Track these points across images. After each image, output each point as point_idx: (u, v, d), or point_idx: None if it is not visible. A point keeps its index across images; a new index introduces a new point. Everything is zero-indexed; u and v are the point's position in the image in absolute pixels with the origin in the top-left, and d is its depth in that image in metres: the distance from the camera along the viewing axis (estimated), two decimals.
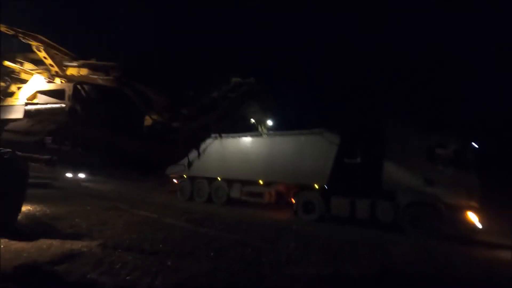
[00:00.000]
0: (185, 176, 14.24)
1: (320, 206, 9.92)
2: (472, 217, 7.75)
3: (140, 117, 6.66)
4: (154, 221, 8.11)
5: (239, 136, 12.57)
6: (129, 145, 6.16)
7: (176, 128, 6.37)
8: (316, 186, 10.20)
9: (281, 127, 12.27)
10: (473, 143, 8.35)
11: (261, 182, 11.70)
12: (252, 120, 13.21)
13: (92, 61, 6.20)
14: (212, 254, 5.23)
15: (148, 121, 6.55)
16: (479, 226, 7.81)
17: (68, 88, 6.23)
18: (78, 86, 6.23)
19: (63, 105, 6.23)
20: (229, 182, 12.64)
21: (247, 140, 12.36)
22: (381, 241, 7.41)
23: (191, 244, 5.74)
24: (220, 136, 9.76)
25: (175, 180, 14.88)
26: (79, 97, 6.22)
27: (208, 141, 13.54)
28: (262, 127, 13.21)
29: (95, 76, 5.94)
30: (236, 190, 12.32)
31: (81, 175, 23.89)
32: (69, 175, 22.76)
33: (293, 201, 10.74)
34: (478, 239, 8.32)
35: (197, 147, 7.39)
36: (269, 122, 13.28)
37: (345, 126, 12.04)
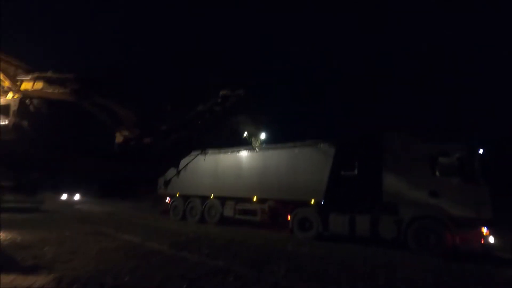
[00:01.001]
0: (177, 195, 13.62)
1: (317, 223, 9.19)
2: (483, 231, 6.99)
3: (111, 135, 6.13)
4: (135, 246, 7.45)
5: (231, 151, 12.01)
6: (96, 167, 5.60)
7: (150, 144, 5.83)
8: (312, 202, 9.51)
9: (277, 140, 11.74)
10: (479, 149, 7.68)
11: (254, 199, 11.03)
12: (245, 134, 12.72)
13: (48, 74, 5.73)
14: (184, 287, 4.55)
15: (119, 138, 6.02)
16: (492, 241, 7.04)
17: (14, 102, 5.72)
18: (27, 101, 5.72)
19: (7, 122, 5.65)
20: (222, 200, 11.97)
21: (239, 155, 11.79)
22: (383, 261, 6.66)
23: (164, 274, 5.07)
24: (204, 152, 9.14)
25: (167, 200, 14.23)
26: (26, 112, 5.69)
27: (197, 157, 13.05)
28: (255, 141, 12.69)
29: (50, 90, 5.43)
30: (230, 208, 11.63)
31: (76, 197, 23.46)
32: (63, 197, 22.34)
33: (289, 218, 10.01)
34: (491, 255, 7.49)
35: (176, 164, 6.80)
36: (262, 135, 12.78)
37: (341, 136, 11.43)
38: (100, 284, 4.34)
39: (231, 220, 11.87)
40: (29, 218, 11.20)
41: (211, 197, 12.35)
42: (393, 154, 8.36)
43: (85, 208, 18.66)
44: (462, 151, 7.56)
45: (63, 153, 5.28)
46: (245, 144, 11.87)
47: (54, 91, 5.36)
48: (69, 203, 21.15)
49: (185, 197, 13.26)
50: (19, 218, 10.73)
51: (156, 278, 4.88)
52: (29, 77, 5.90)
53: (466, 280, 5.52)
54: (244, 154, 11.61)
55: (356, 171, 9.07)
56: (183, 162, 7.47)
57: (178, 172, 7.12)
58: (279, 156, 10.54)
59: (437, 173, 7.77)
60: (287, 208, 10.31)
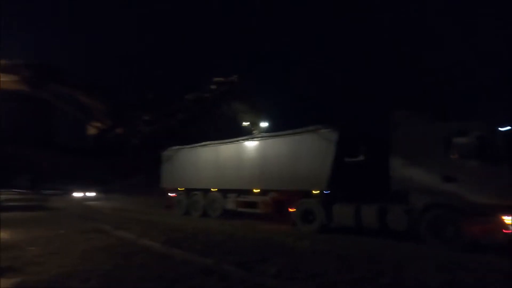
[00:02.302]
0: (180, 189, 13.31)
1: (321, 215, 8.52)
2: (507, 219, 6.10)
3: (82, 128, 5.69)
4: (125, 244, 7.12)
5: (230, 142, 11.47)
6: (71, 162, 5.18)
7: (123, 134, 5.34)
8: (315, 192, 8.84)
9: (279, 128, 11.07)
10: (502, 126, 6.71)
11: (256, 191, 10.49)
12: (245, 123, 12.15)
13: (2, 62, 5.31)
14: None
15: (91, 130, 5.57)
16: None
17: None
18: None
19: None
20: (224, 192, 11.51)
21: (239, 145, 11.22)
22: (390, 256, 5.95)
23: (140, 275, 4.64)
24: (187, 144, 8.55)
25: (171, 194, 13.96)
26: None
27: (198, 149, 12.60)
28: (255, 129, 12.09)
29: (6, 79, 5.00)
30: (231, 201, 11.16)
31: (90, 194, 23.82)
32: (77, 194, 22.73)
33: (291, 210, 9.40)
34: None
35: (156, 156, 6.31)
36: (263, 124, 12.17)
37: (344, 119, 10.58)
38: None
39: (235, 213, 11.42)
40: (32, 216, 11.24)
41: (213, 190, 11.92)
42: (402, 136, 7.51)
43: (95, 204, 18.85)
44: (482, 129, 6.61)
45: (33, 149, 4.90)
46: (246, 133, 11.32)
47: (8, 80, 4.95)
48: (82, 199, 21.51)
49: (188, 191, 12.93)
50: (22, 217, 10.76)
51: (130, 280, 4.46)
52: None
53: (487, 280, 4.75)
54: (243, 144, 11.03)
55: (361, 157, 8.31)
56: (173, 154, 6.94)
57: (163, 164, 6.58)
58: (279, 145, 9.89)
59: (453, 155, 6.88)
60: (289, 200, 9.70)
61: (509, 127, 6.78)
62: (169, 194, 14.03)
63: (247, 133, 10.64)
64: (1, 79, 4.78)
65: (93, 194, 23.72)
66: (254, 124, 11.17)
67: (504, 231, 6.02)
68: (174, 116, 6.31)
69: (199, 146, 12.58)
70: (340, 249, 6.55)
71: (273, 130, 10.52)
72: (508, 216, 6.03)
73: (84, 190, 23.47)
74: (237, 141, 11.23)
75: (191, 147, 13.05)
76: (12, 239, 7.14)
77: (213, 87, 8.73)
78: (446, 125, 7.00)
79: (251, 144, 10.69)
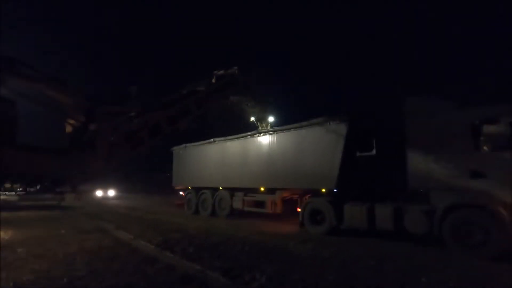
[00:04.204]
0: (189, 188, 13.01)
1: (330, 215, 7.73)
2: None
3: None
4: (118, 245, 6.80)
5: (236, 138, 10.92)
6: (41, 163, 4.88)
7: (98, 130, 4.98)
8: (323, 191, 8.07)
9: (288, 122, 10.34)
10: None
11: (262, 189, 9.88)
12: (252, 118, 11.56)
13: None
14: None
15: (67, 128, 5.26)
16: None
17: None
18: None
19: None
20: (232, 191, 11.01)
21: (244, 141, 10.65)
22: (404, 265, 5.10)
23: (112, 283, 4.23)
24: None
25: (181, 193, 13.72)
26: None
27: (205, 146, 12.18)
28: (260, 124, 11.46)
29: None
30: (238, 200, 10.63)
31: (111, 193, 24.43)
32: (98, 193, 23.38)
33: (299, 210, 8.68)
34: None
35: (133, 154, 5.90)
36: (270, 118, 11.50)
37: (353, 110, 9.62)
38: None
39: (245, 213, 10.89)
40: (44, 215, 11.40)
41: (221, 189, 11.47)
42: (419, 127, 6.54)
43: (113, 203, 19.17)
44: None
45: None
46: (251, 129, 10.74)
47: None
48: (98, 198, 22.07)
49: (197, 190, 12.59)
50: (32, 216, 10.94)
51: None
52: None
53: None
54: (248, 140, 10.44)
55: (374, 151, 7.42)
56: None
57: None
58: (284, 140, 9.18)
59: (482, 147, 5.86)
60: (296, 199, 9.00)
61: None
62: (180, 193, 13.81)
63: (252, 129, 9.97)
64: None
65: (113, 193, 24.37)
66: (260, 119, 10.48)
67: None
68: (162, 111, 5.96)
69: (206, 143, 12.18)
70: (346, 255, 5.78)
71: (281, 125, 9.77)
72: None
73: (105, 189, 24.18)
74: (242, 137, 10.66)
75: (198, 144, 12.69)
76: (9, 239, 7.08)
77: (213, 81, 8.29)
78: (472, 110, 5.95)
79: (255, 140, 10.08)
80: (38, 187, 5.33)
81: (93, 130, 5.12)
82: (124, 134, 5.54)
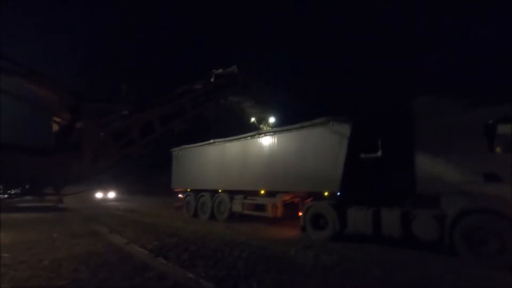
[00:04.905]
0: (189, 190, 12.68)
1: (333, 220, 7.35)
2: None
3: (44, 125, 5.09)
4: (110, 251, 6.48)
5: (236, 139, 10.58)
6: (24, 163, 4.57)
7: (84, 129, 4.68)
8: (326, 194, 7.69)
9: (290, 123, 9.99)
10: None
11: (262, 192, 9.51)
12: (252, 118, 11.22)
13: None
14: None
15: (55, 126, 4.97)
16: None
17: None
18: None
19: None
20: (231, 194, 10.66)
21: (243, 142, 10.31)
22: (412, 276, 4.71)
23: None
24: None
25: (180, 195, 13.39)
26: None
27: (204, 147, 11.86)
28: (261, 125, 11.12)
29: None
30: (238, 203, 10.27)
31: (111, 195, 24.17)
32: (98, 195, 23.14)
33: (300, 214, 8.30)
34: None
35: (123, 155, 5.57)
36: (271, 119, 11.16)
37: (358, 109, 9.24)
38: None
39: (245, 217, 10.51)
40: (40, 217, 11.14)
41: (220, 192, 11.12)
42: (429, 126, 6.16)
43: (112, 205, 18.89)
44: None
45: None
46: (251, 130, 10.40)
47: None
48: (99, 200, 21.81)
49: (196, 192, 12.25)
50: (28, 218, 10.67)
51: None
52: None
53: None
54: (248, 141, 10.10)
55: (380, 152, 7.03)
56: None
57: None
58: (285, 141, 8.83)
59: (496, 148, 5.46)
60: (298, 202, 8.63)
61: None
62: (179, 195, 13.49)
63: (253, 130, 9.62)
64: None
65: (113, 195, 24.09)
66: (260, 119, 10.14)
67: None
68: (154, 110, 5.70)
69: (205, 144, 11.86)
70: (349, 263, 5.39)
71: (282, 125, 9.41)
72: None
73: (105, 191, 23.92)
74: (242, 138, 10.32)
75: (197, 146, 12.38)
76: None
77: (211, 80, 8.01)
78: (485, 109, 5.56)
79: (255, 141, 9.74)
80: (19, 189, 5.06)
81: (78, 128, 4.83)
82: (112, 133, 5.24)
